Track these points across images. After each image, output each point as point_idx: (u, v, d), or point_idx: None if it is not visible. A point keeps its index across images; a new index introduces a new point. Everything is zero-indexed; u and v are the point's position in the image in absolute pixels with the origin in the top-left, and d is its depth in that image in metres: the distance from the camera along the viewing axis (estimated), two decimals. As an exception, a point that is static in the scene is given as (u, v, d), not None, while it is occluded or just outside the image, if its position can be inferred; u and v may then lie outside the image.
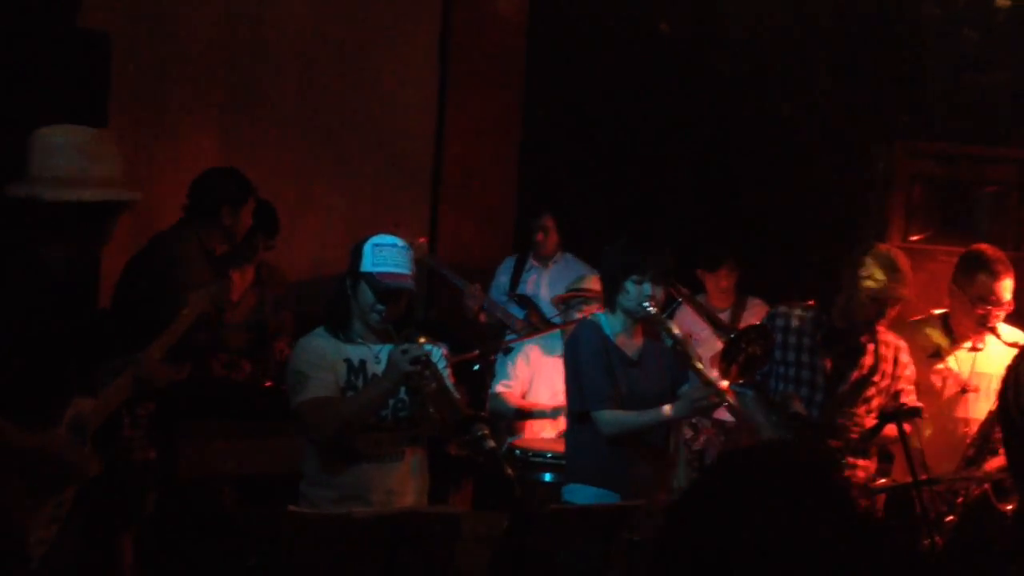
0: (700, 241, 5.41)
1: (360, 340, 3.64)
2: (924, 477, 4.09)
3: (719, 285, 5.87)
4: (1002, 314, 4.40)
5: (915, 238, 5.55)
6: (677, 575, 1.57)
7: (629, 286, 3.93)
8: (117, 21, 5.79)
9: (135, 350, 3.75)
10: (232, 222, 4.76)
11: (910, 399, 4.27)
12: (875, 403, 4.28)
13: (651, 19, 6.70)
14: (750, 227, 6.46)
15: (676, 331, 3.91)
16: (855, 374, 4.29)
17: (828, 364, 4.28)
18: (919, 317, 4.69)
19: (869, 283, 4.13)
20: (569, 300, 5.24)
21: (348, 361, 3.61)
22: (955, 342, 4.53)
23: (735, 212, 6.58)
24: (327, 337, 3.63)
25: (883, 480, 4.49)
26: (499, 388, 5.36)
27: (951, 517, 4.33)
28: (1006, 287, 4.35)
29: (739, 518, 1.53)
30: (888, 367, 4.30)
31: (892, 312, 4.23)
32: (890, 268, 4.14)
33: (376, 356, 3.64)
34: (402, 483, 3.61)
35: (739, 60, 6.49)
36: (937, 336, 4.55)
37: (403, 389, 3.58)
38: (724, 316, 5.97)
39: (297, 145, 6.28)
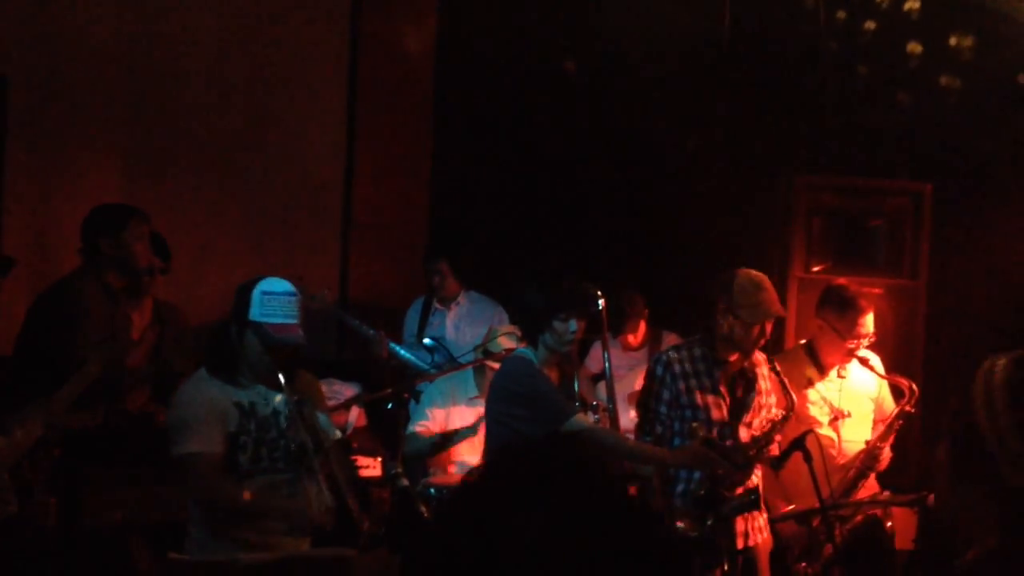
0: (607, 276, 5.46)
1: (246, 383, 3.59)
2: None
3: (627, 340, 6.15)
4: (866, 343, 4.69)
5: (816, 269, 5.69)
6: None
7: (557, 324, 4.04)
8: (14, 63, 5.70)
9: (43, 395, 3.71)
10: (116, 251, 4.64)
11: (776, 413, 4.45)
12: (766, 418, 4.42)
13: (556, 54, 6.78)
14: (655, 260, 6.57)
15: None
16: (755, 399, 4.41)
17: (726, 395, 4.39)
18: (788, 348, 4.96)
19: (750, 310, 4.26)
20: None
21: (239, 405, 3.56)
22: (823, 371, 4.79)
23: (639, 246, 6.68)
24: (211, 381, 3.56)
25: (790, 506, 4.58)
26: (416, 428, 5.33)
27: (829, 548, 4.45)
28: (870, 321, 4.69)
29: (507, 519, 1.52)
30: (766, 382, 4.48)
31: (769, 329, 4.38)
32: (760, 289, 4.30)
33: (264, 399, 3.60)
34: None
35: (641, 94, 6.60)
36: (807, 367, 4.78)
37: (281, 422, 3.57)
38: (641, 354, 6.14)
39: (203, 188, 6.21)
